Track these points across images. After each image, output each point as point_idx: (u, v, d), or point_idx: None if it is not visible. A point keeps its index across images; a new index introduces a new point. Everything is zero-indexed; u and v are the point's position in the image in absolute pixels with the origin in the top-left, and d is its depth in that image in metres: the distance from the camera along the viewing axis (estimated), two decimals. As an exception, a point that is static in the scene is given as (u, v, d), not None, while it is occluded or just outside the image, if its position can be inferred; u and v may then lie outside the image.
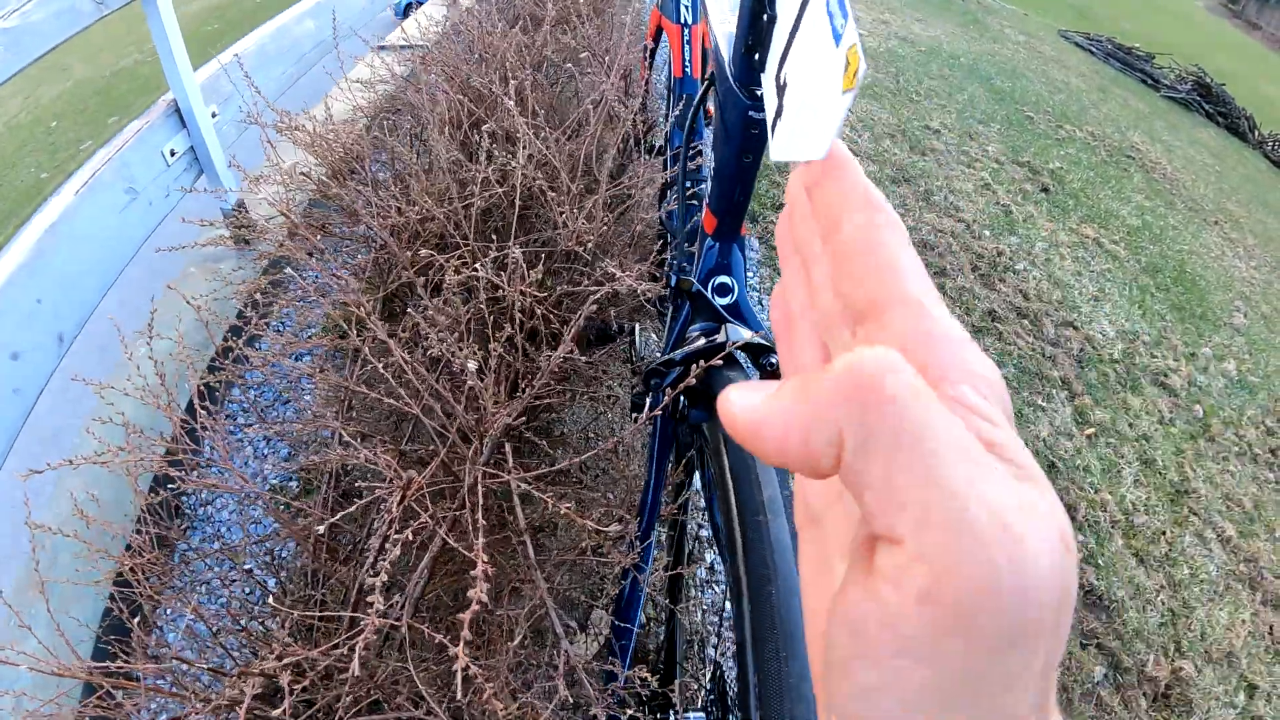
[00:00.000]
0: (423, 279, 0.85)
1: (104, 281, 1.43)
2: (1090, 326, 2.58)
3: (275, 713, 0.49)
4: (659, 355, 0.69)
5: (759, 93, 0.51)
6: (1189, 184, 4.36)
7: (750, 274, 2.20)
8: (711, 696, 0.85)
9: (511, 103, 0.94)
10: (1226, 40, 11.70)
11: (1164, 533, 1.98)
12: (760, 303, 2.04)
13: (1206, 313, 3.04)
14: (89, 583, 0.93)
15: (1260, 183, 5.48)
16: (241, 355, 0.90)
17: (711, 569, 1.40)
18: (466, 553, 0.55)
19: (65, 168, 2.88)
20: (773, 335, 0.22)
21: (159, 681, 0.78)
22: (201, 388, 0.91)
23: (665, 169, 1.19)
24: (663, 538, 1.22)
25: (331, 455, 0.71)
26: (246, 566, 1.20)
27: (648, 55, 1.62)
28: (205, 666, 0.68)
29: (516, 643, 0.62)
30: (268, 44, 1.88)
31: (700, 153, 1.13)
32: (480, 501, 0.57)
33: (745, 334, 0.63)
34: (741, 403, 0.16)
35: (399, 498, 0.58)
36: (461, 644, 0.42)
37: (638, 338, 1.48)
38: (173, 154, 1.60)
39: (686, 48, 1.25)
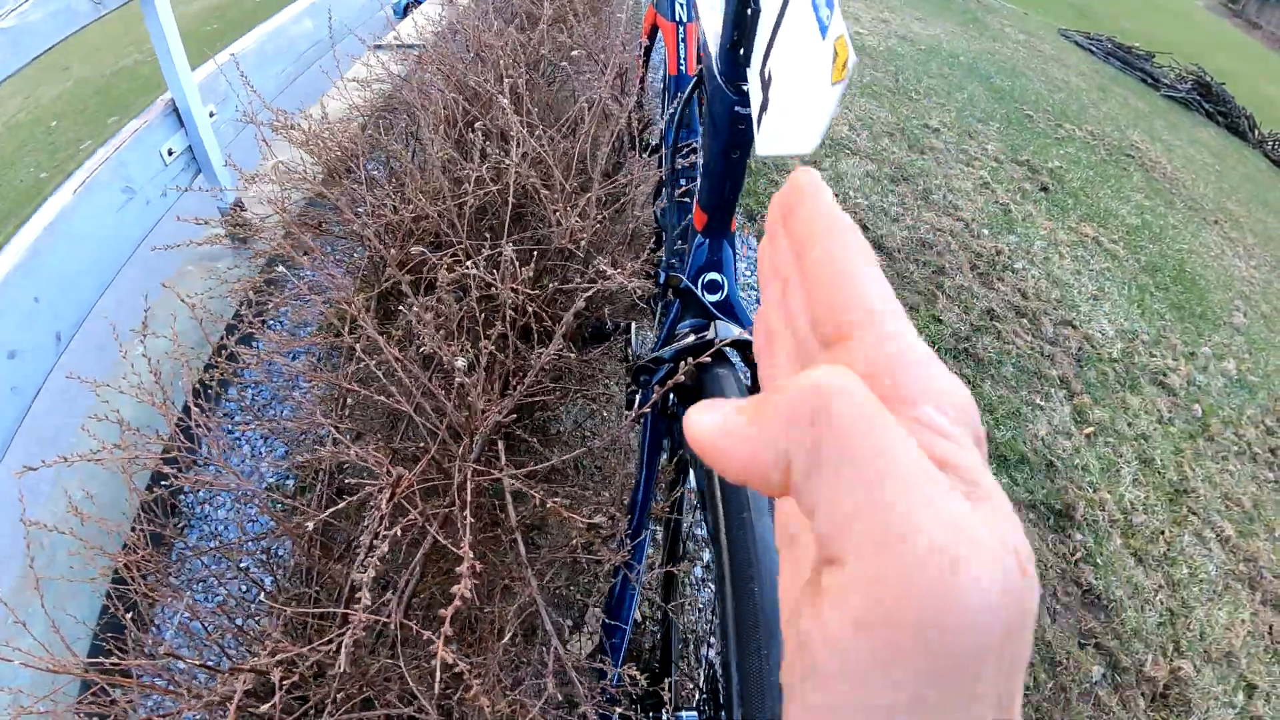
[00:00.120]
0: (415, 277, 0.86)
1: (101, 280, 1.43)
2: (1089, 325, 2.58)
3: (264, 708, 0.49)
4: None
5: (745, 88, 0.51)
6: (1189, 183, 4.36)
7: (749, 271, 2.20)
8: (704, 696, 0.85)
9: (506, 101, 0.95)
10: (1226, 39, 11.67)
11: (1163, 532, 1.98)
12: (756, 301, 2.04)
13: (1206, 312, 3.03)
14: (85, 580, 0.94)
15: (1260, 182, 5.47)
16: (234, 353, 0.90)
17: (709, 568, 1.39)
18: (457, 550, 0.55)
19: (65, 167, 2.88)
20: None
21: (153, 679, 0.78)
22: (197, 386, 0.91)
23: (661, 167, 1.19)
24: (658, 536, 1.22)
25: (323, 453, 0.71)
26: (243, 565, 1.20)
27: (644, 53, 1.62)
28: (197, 663, 0.68)
29: (506, 640, 0.63)
30: (266, 43, 1.88)
31: (695, 150, 1.13)
32: (469, 498, 0.57)
33: (735, 331, 0.63)
34: (702, 422, 0.16)
35: (389, 495, 0.58)
36: (441, 638, 0.42)
37: (634, 336, 1.48)
38: (170, 153, 1.60)
39: (682, 45, 1.25)
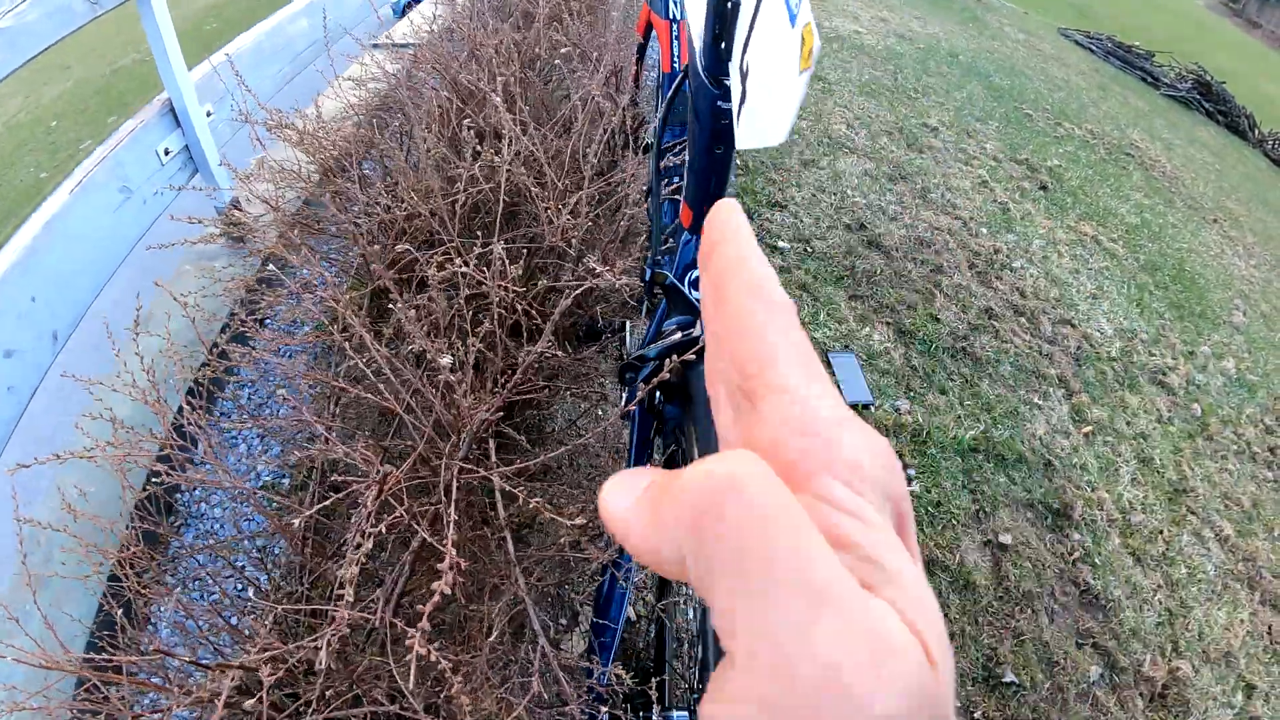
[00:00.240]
0: (406, 276, 0.86)
1: (98, 280, 1.43)
2: (1088, 324, 2.57)
3: (249, 703, 0.49)
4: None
5: (727, 82, 0.51)
6: (1188, 182, 4.35)
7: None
8: (696, 696, 0.85)
9: (499, 99, 0.95)
10: (1226, 38, 11.65)
11: (1161, 532, 1.97)
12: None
13: (1205, 311, 3.03)
14: (80, 578, 0.94)
15: (1260, 181, 5.45)
16: (225, 352, 0.90)
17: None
18: (443, 548, 0.55)
19: (64, 167, 2.88)
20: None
21: (148, 676, 0.78)
22: (193, 384, 0.91)
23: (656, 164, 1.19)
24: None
25: (314, 451, 0.71)
26: (239, 563, 1.20)
27: (639, 51, 1.61)
28: (187, 660, 0.68)
29: (494, 638, 0.63)
30: (263, 43, 1.88)
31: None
32: (455, 496, 0.57)
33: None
34: (612, 505, 0.16)
35: (375, 492, 0.58)
36: (419, 633, 0.42)
37: (628, 335, 1.48)
38: (167, 153, 1.61)
39: (675, 43, 1.25)
